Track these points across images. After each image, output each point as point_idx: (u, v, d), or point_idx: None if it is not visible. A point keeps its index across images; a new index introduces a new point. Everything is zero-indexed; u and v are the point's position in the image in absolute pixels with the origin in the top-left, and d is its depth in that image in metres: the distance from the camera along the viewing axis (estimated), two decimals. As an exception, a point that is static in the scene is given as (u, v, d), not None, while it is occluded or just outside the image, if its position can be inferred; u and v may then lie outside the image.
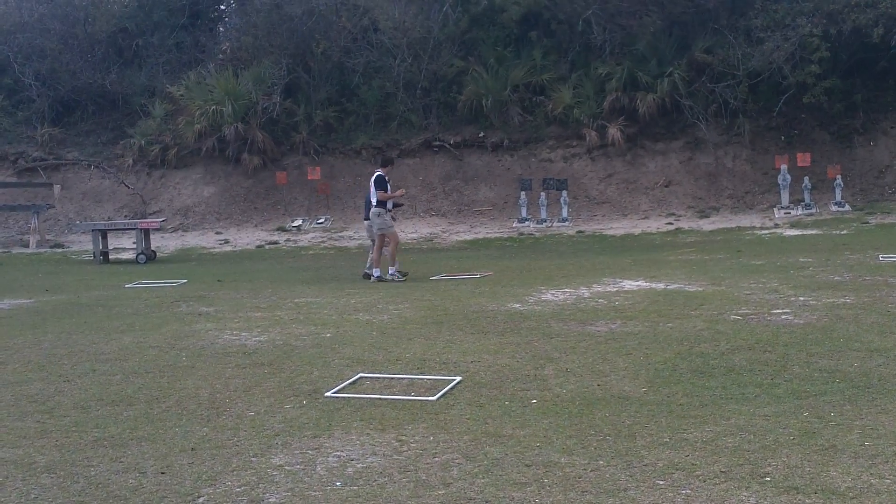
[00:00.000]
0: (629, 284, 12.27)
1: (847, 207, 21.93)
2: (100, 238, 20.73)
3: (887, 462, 4.76)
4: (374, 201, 14.58)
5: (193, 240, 24.51)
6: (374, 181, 14.55)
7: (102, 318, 10.94)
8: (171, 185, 27.39)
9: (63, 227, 26.41)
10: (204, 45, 29.44)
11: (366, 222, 15.24)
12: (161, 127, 27.93)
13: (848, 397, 6.02)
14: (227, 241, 23.96)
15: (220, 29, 31.40)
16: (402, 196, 15.74)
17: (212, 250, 22.92)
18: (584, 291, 11.72)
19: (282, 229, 24.80)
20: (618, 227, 22.44)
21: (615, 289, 11.88)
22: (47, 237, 25.39)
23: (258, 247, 23.11)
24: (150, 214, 26.00)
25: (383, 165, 14.91)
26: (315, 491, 4.69)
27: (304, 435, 5.68)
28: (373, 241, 14.95)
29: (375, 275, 14.49)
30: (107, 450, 5.51)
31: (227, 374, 7.44)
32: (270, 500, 4.59)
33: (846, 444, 5.09)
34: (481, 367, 7.34)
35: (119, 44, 30.68)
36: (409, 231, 23.63)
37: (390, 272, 14.52)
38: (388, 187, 14.55)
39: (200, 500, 4.64)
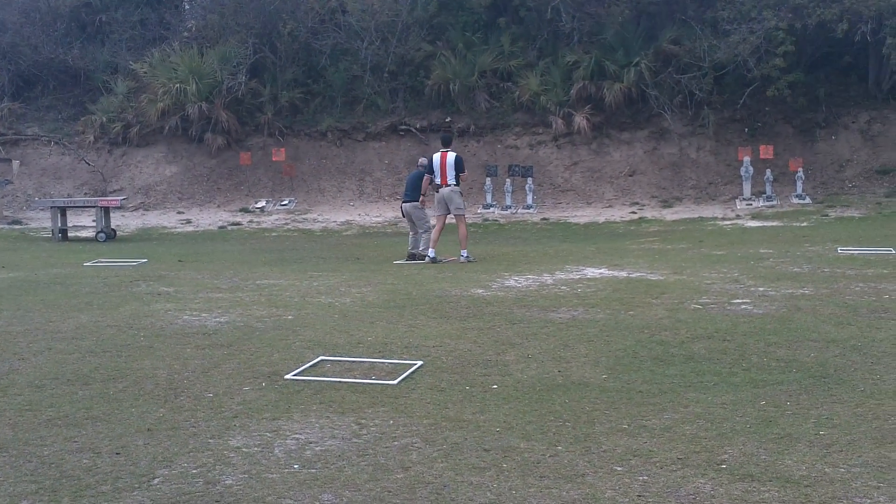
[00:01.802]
0: (592, 272, 12.32)
1: (808, 200, 22.12)
2: (59, 215, 20.51)
3: (842, 451, 4.81)
4: (450, 182, 14.54)
5: (154, 219, 24.30)
6: (455, 162, 14.54)
7: (60, 297, 10.81)
8: (132, 164, 27.11)
9: (21, 204, 26.08)
10: (169, 23, 29.10)
11: (406, 205, 15.09)
12: (123, 104, 27.59)
13: (804, 387, 6.07)
14: (188, 221, 23.78)
15: (186, 6, 31.01)
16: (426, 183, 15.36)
17: (173, 230, 22.74)
18: (548, 278, 11.75)
19: (245, 210, 24.65)
20: (582, 215, 22.50)
21: (578, 276, 11.92)
22: (5, 213, 25.04)
23: (220, 227, 22.96)
24: (110, 192, 25.72)
25: (447, 144, 14.92)
26: (272, 473, 4.66)
27: (262, 417, 5.64)
28: (413, 223, 14.91)
29: (430, 255, 14.46)
30: (61, 429, 5.45)
31: (185, 355, 7.38)
32: (227, 481, 4.56)
33: (802, 432, 5.13)
34: (443, 352, 7.33)
35: (82, 18, 30.28)
36: (374, 215, 23.58)
37: (464, 255, 14.50)
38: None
39: (156, 481, 4.59)
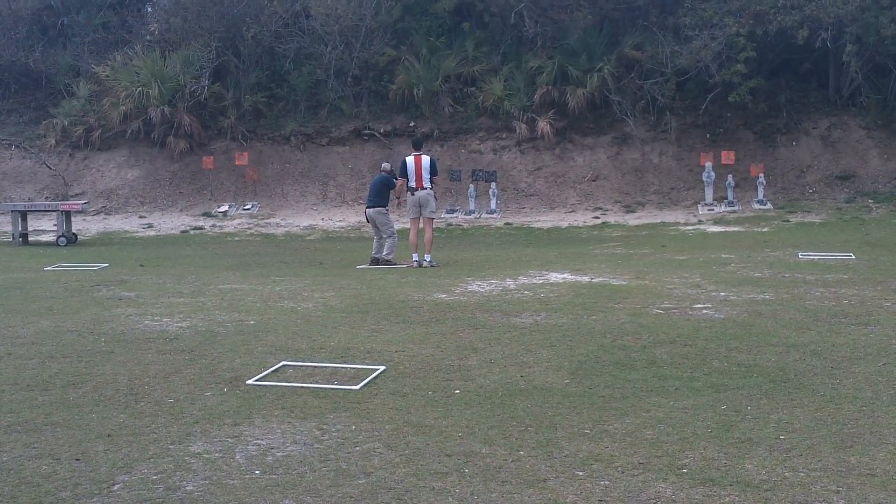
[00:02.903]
0: (555, 277, 12.35)
1: (769, 205, 22.32)
2: (19, 219, 20.28)
3: (801, 455, 4.85)
4: (426, 185, 14.54)
5: (116, 223, 24.10)
6: (431, 165, 14.58)
7: (20, 301, 10.70)
8: (94, 168, 26.88)
9: (-19, 208, 25.77)
10: (131, 26, 28.88)
11: (370, 211, 14.98)
12: (85, 108, 27.37)
13: (765, 391, 6.12)
14: (150, 226, 23.61)
15: (148, 9, 30.81)
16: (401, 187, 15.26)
17: (135, 234, 22.57)
18: (511, 283, 11.77)
19: (208, 215, 24.51)
20: (545, 220, 22.57)
21: (541, 281, 11.95)
22: (-35, 217, 24.77)
23: (183, 232, 22.81)
24: (72, 196, 25.46)
25: (419, 147, 14.94)
26: (233, 479, 4.64)
27: (223, 423, 5.61)
28: (377, 228, 14.85)
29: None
30: (20, 435, 5.40)
31: (146, 360, 7.32)
32: (187, 487, 4.53)
33: (762, 437, 5.17)
34: (405, 357, 7.32)
35: (44, 21, 30.00)
36: (338, 220, 23.52)
37: (427, 259, 14.49)
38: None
39: (115, 487, 4.56)
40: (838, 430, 5.27)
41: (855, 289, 10.61)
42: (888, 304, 9.47)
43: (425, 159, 14.59)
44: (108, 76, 26.96)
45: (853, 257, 14.04)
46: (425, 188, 14.53)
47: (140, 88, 26.02)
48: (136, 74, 26.54)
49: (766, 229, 19.62)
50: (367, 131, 26.28)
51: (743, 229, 19.79)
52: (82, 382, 6.63)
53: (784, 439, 5.13)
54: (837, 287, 10.78)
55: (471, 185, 23.73)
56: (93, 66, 27.51)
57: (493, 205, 23.51)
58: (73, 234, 20.76)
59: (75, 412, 5.88)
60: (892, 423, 5.40)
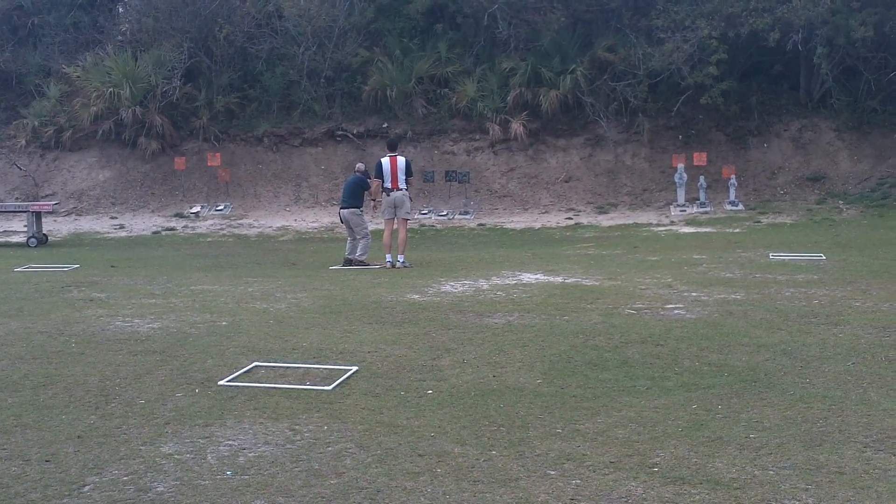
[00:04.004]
0: (528, 277, 12.38)
1: (740, 207, 22.46)
2: (-11, 220, 20.15)
3: (771, 454, 4.89)
4: (401, 186, 14.49)
5: (87, 224, 23.93)
6: (406, 166, 14.53)
7: (-11, 303, 10.62)
8: (65, 168, 26.69)
9: (-50, 209, 25.54)
10: (102, 26, 28.69)
11: (344, 211, 14.91)
12: (56, 108, 27.16)
13: (735, 391, 6.16)
14: (122, 227, 23.47)
15: (120, 10, 30.61)
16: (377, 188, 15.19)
17: (106, 235, 22.42)
18: (484, 284, 11.78)
19: (180, 215, 24.39)
20: (518, 221, 22.61)
21: (514, 281, 11.97)
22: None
23: (154, 233, 22.68)
24: (42, 197, 25.26)
25: (394, 148, 14.91)
26: (205, 480, 4.62)
27: (195, 424, 5.59)
28: (351, 229, 14.77)
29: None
30: (-11, 437, 5.36)
31: (117, 362, 7.28)
32: (158, 488, 4.51)
33: (732, 436, 5.21)
34: (378, 358, 7.32)
35: (14, 21, 29.76)
36: (311, 221, 23.47)
37: (401, 259, 14.45)
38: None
39: (86, 488, 4.53)
40: (808, 429, 5.31)
41: (825, 289, 10.70)
42: (857, 304, 9.55)
43: (401, 160, 14.57)
44: (79, 76, 26.77)
45: (823, 258, 14.14)
46: (401, 189, 14.52)
47: (111, 89, 25.85)
48: (108, 75, 26.37)
49: (737, 230, 19.74)
50: (340, 132, 26.23)
51: (714, 230, 19.90)
52: (53, 384, 6.59)
53: (754, 438, 5.16)
54: (808, 287, 10.87)
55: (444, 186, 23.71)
56: (63, 66, 27.32)
57: (466, 206, 23.51)
58: (44, 234, 20.62)
59: (45, 413, 5.84)
60: (861, 421, 5.44)
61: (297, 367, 7.05)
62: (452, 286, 11.59)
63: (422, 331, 8.48)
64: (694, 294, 10.49)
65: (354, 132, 26.07)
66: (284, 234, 22.15)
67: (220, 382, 6.56)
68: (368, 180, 15.02)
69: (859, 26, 21.97)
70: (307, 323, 9.01)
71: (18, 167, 26.61)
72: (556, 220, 22.59)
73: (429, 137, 25.80)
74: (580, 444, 5.11)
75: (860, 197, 22.44)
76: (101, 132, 26.17)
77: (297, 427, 5.50)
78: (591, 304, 9.84)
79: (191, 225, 23.50)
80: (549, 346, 7.69)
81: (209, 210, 24.67)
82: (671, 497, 4.32)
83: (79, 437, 5.36)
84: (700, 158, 23.36)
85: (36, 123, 26.90)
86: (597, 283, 11.63)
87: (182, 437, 5.32)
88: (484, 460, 4.86)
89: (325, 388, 6.38)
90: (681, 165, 22.98)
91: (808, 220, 20.84)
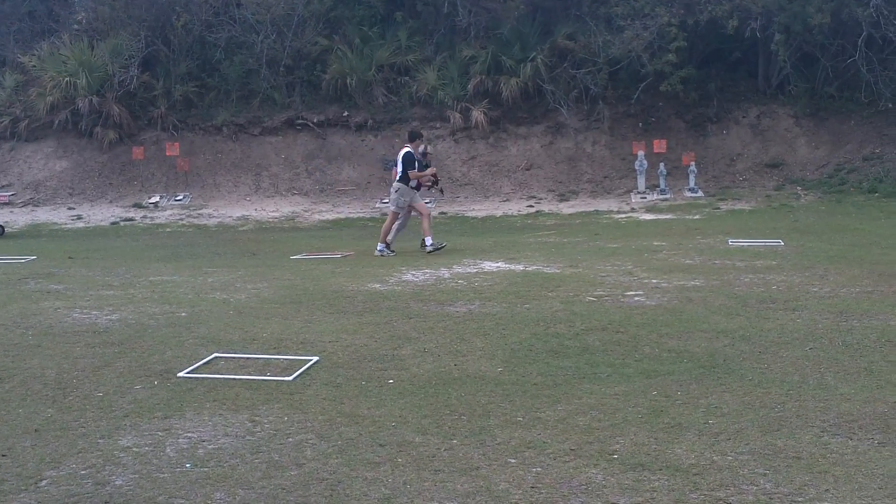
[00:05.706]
0: (489, 266, 12.39)
1: (700, 193, 22.61)
2: (-56, 212, 19.90)
3: (730, 439, 4.92)
4: (398, 177, 14.39)
5: (44, 215, 23.67)
6: (403, 159, 14.31)
7: (-56, 296, 10.47)
8: (21, 159, 26.37)
9: None
10: (58, 15, 28.37)
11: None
12: (11, 98, 26.85)
13: (694, 377, 6.20)
14: (80, 217, 23.23)
15: (76, -2, 30.32)
16: (433, 175, 15.11)
17: (64, 226, 22.20)
18: (445, 272, 11.78)
19: (138, 206, 24.17)
20: (480, 209, 22.63)
21: (475, 270, 11.97)
22: None
23: (113, 223, 22.48)
24: (-2, 188, 25.02)
25: (411, 140, 14.72)
26: (163, 473, 4.58)
27: (153, 416, 5.54)
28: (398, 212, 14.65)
29: (379, 249, 14.27)
30: (-57, 432, 5.28)
31: (75, 354, 7.20)
32: (117, 482, 4.47)
33: (691, 422, 5.24)
34: (339, 347, 7.29)
35: (-33, 10, 29.39)
36: (271, 210, 23.36)
37: (428, 243, 14.34)
38: (417, 165, 14.41)
39: (43, 482, 4.48)
40: (766, 414, 5.35)
41: (783, 275, 10.79)
42: (815, 290, 9.64)
43: (402, 152, 14.50)
44: (34, 66, 26.48)
45: (782, 244, 14.27)
46: (396, 180, 14.49)
47: (68, 78, 25.59)
48: (64, 64, 26.09)
49: (697, 217, 19.87)
50: (300, 121, 26.12)
51: (674, 217, 20.02)
52: (9, 377, 6.51)
53: (713, 423, 5.19)
54: (766, 273, 10.95)
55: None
56: (19, 55, 26.99)
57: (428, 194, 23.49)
58: (0, 226, 20.39)
59: (1, 407, 5.77)
60: (818, 406, 5.49)
61: (258, 358, 7.01)
62: (413, 275, 11.57)
63: (383, 320, 8.46)
64: (654, 281, 10.54)
65: (314, 121, 25.97)
66: (244, 223, 22.03)
67: (180, 374, 6.51)
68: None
69: (816, 13, 22.16)
70: (267, 313, 8.96)
71: (-27, 158, 26.26)
72: (518, 207, 22.63)
73: (389, 126, 25.75)
74: (541, 431, 5.12)
75: (818, 183, 22.66)
76: (57, 122, 25.89)
77: (257, 418, 5.46)
78: (552, 292, 9.86)
79: (150, 215, 23.31)
80: (510, 334, 7.70)
81: (168, 200, 24.47)
82: (631, 484, 4.34)
83: (36, 430, 5.29)
84: (660, 146, 23.50)
85: (-9, 113, 26.56)
86: (558, 271, 11.66)
87: (141, 430, 5.27)
88: (445, 449, 4.86)
89: (286, 378, 6.34)
90: (641, 153, 23.09)
91: (767, 207, 21.03)
